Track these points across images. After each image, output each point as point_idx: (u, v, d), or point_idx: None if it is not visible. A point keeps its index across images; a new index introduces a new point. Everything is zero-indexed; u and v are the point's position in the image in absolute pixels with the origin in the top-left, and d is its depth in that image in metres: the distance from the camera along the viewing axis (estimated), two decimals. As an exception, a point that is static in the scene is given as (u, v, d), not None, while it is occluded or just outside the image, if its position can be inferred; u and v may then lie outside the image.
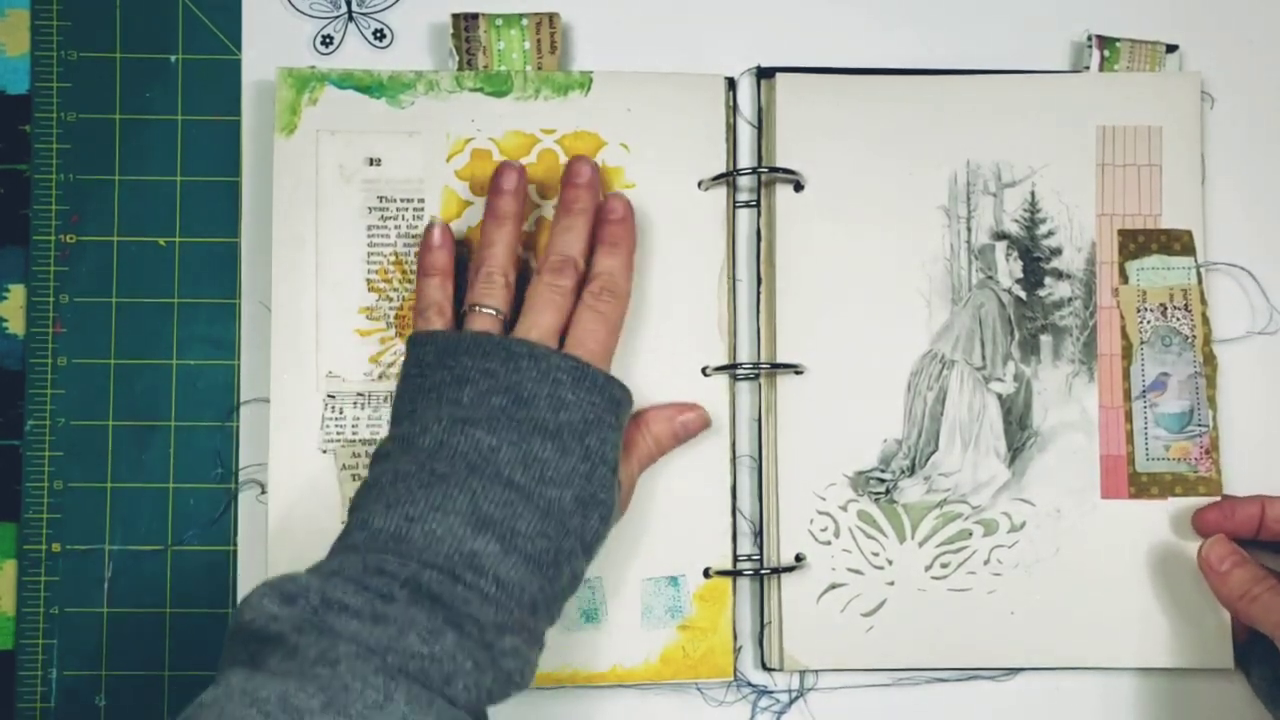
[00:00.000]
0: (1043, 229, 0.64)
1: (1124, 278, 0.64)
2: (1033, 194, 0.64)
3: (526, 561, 0.51)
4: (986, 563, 0.63)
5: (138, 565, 0.63)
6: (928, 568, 0.62)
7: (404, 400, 0.56)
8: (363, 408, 0.61)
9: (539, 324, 0.56)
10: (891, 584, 0.62)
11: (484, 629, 0.48)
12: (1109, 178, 0.64)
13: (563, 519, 0.52)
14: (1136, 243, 0.64)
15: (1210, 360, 0.64)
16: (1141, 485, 0.63)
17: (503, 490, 0.51)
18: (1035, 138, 0.64)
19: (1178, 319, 0.63)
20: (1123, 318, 0.64)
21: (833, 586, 0.62)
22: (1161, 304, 0.63)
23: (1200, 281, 0.64)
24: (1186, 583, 0.63)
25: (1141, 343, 0.63)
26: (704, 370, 0.63)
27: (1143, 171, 0.64)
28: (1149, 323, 0.63)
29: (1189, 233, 0.64)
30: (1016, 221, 0.64)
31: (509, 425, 0.53)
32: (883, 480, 0.62)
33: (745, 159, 0.65)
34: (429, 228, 0.60)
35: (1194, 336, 0.63)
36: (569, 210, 0.60)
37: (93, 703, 0.63)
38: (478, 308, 0.57)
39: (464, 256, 0.61)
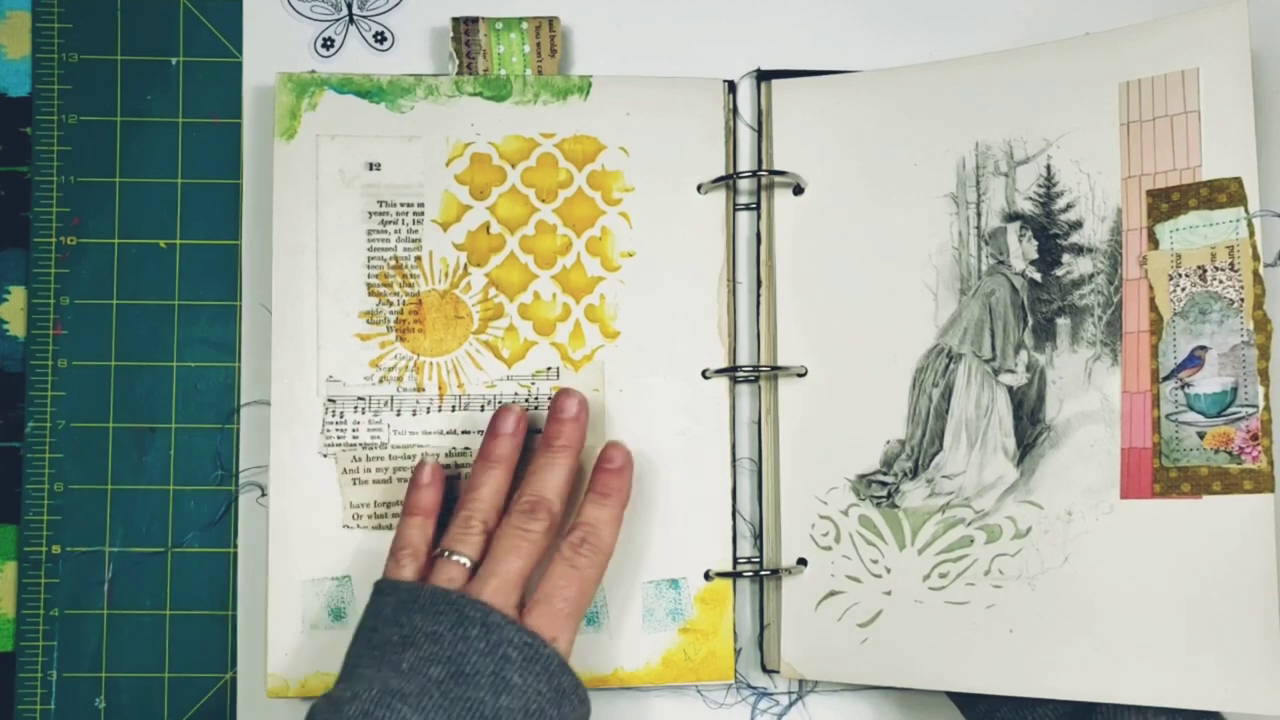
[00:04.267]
0: (1060, 203, 0.59)
1: (1154, 243, 0.57)
2: (1048, 167, 0.59)
3: None
4: (987, 573, 0.59)
5: (138, 567, 0.63)
6: (925, 577, 0.60)
7: (352, 654, 0.53)
8: (363, 412, 0.61)
9: (499, 572, 0.53)
10: (888, 594, 0.60)
11: None
12: (1134, 136, 0.58)
13: None
14: (1170, 201, 0.56)
15: (1263, 326, 0.54)
16: (1170, 482, 0.55)
17: None
18: (1049, 108, 0.59)
19: (1221, 281, 0.55)
20: (1152, 288, 0.57)
21: (831, 594, 0.61)
22: (1200, 266, 0.55)
23: (1252, 234, 0.55)
24: (1227, 602, 0.54)
25: (1174, 314, 0.56)
26: (704, 373, 0.63)
27: (1176, 122, 0.57)
28: (1184, 290, 0.56)
29: (1237, 180, 0.55)
30: (1031, 199, 0.59)
31: (441, 702, 0.48)
32: (884, 483, 0.61)
33: (745, 162, 0.65)
34: (420, 466, 0.59)
35: (1241, 300, 0.55)
36: (550, 446, 0.57)
37: (93, 704, 0.63)
38: (449, 554, 0.55)
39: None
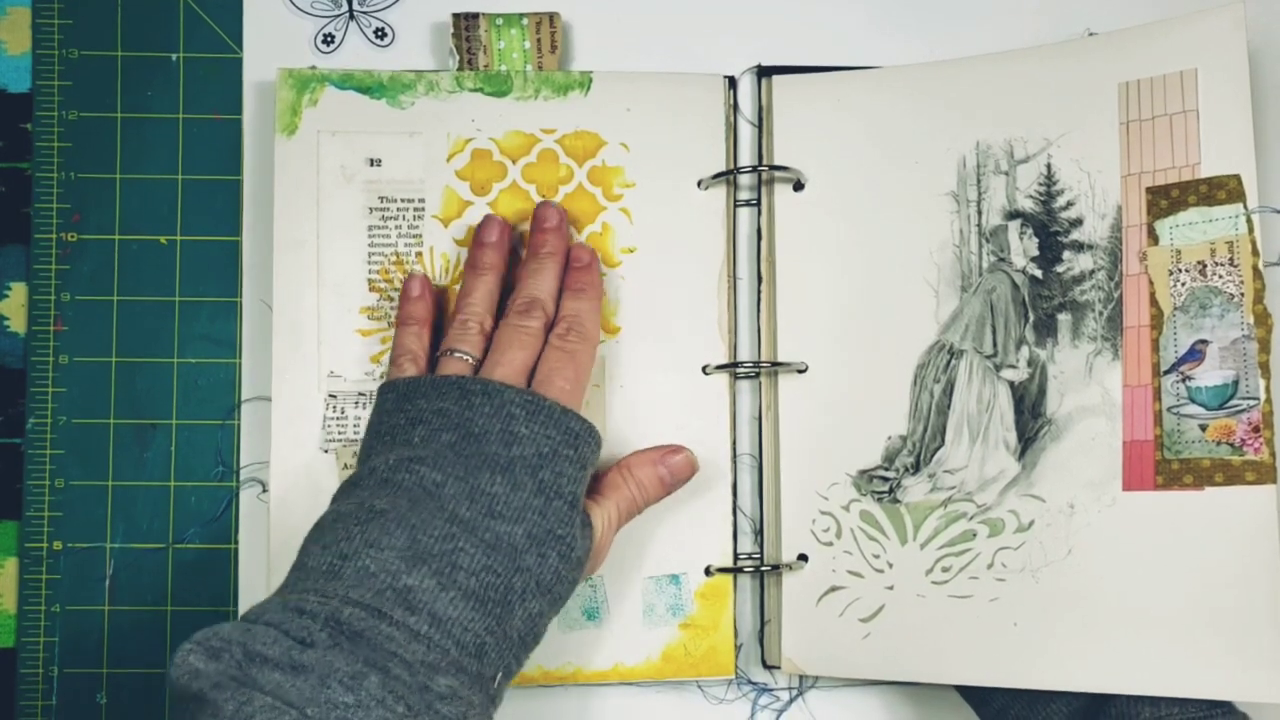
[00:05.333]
0: (1061, 200, 0.60)
1: (1154, 239, 0.57)
2: (1049, 166, 0.60)
3: (468, 598, 0.48)
4: (990, 567, 0.59)
5: (139, 563, 0.63)
6: (928, 572, 0.60)
7: (364, 447, 0.55)
8: (364, 407, 0.61)
9: (504, 362, 0.55)
10: (890, 588, 0.60)
11: (413, 669, 0.45)
12: (1134, 135, 0.58)
13: (514, 555, 0.49)
14: (1169, 198, 0.57)
15: (1263, 320, 0.55)
16: (1172, 474, 0.56)
17: (445, 525, 0.49)
18: (1049, 109, 0.60)
19: (1220, 276, 0.56)
20: (1152, 284, 0.57)
21: (833, 589, 0.61)
22: (1200, 262, 0.56)
23: (1251, 230, 0.56)
24: (1230, 592, 0.55)
25: (1175, 309, 0.57)
26: (704, 369, 0.63)
27: (1175, 121, 0.58)
28: (1184, 285, 0.56)
29: (1236, 177, 0.56)
30: (1031, 197, 0.60)
31: (456, 460, 0.51)
32: (886, 479, 0.61)
33: (746, 158, 0.65)
34: (409, 279, 0.60)
35: (1241, 294, 0.55)
36: (537, 254, 0.59)
37: (94, 700, 0.63)
38: (451, 352, 0.56)
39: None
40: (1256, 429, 0.55)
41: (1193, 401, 0.56)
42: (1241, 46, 0.57)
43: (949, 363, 0.61)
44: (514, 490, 0.51)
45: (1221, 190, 0.56)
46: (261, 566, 0.62)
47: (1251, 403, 0.55)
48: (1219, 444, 0.55)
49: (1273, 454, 0.55)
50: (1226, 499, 0.55)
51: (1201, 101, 0.57)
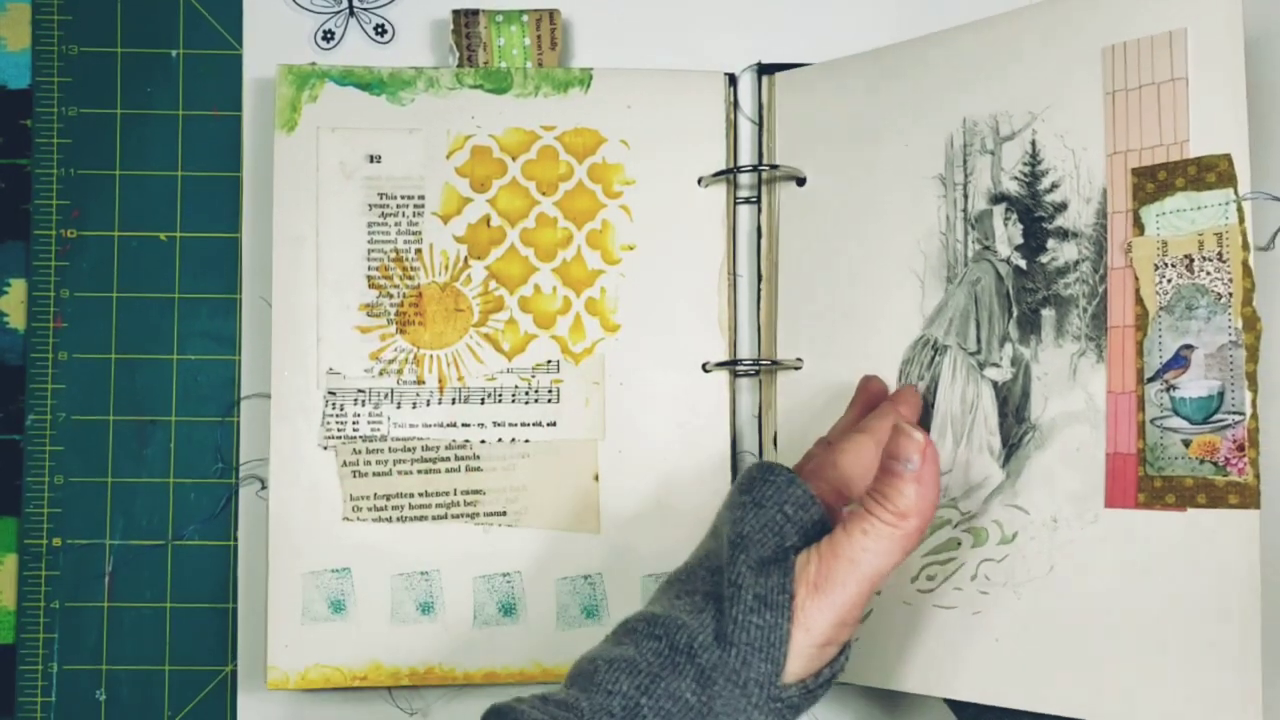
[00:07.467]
0: (1045, 182, 0.55)
1: (1139, 228, 0.52)
2: (1033, 143, 0.56)
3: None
4: (974, 578, 0.55)
5: (138, 560, 0.63)
6: (914, 579, 0.57)
7: None
8: (363, 404, 0.61)
9: None
10: (877, 594, 0.58)
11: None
12: (1120, 106, 0.53)
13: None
14: (1156, 181, 0.52)
15: (1252, 324, 0.49)
16: (1154, 492, 0.51)
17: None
18: (1033, 78, 0.56)
19: (1208, 273, 0.50)
20: (1137, 279, 0.52)
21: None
22: (1187, 256, 0.51)
23: (1242, 219, 0.50)
24: (1209, 622, 0.49)
25: (1160, 309, 0.51)
26: (704, 366, 0.63)
27: (1163, 90, 0.52)
28: (1170, 281, 0.51)
29: (1226, 157, 0.50)
30: (1016, 179, 0.56)
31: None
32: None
33: (746, 156, 0.65)
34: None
35: (1230, 294, 0.50)
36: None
37: (93, 697, 0.63)
38: None
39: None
40: (1241, 448, 0.49)
41: (1176, 414, 0.51)
42: (1235, 2, 0.51)
43: (933, 359, 0.59)
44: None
45: (1211, 173, 0.51)
46: (260, 563, 0.62)
47: (1236, 418, 0.49)
48: (1202, 462, 0.50)
49: (1257, 476, 0.49)
50: (1209, 523, 0.50)
51: (1191, 67, 0.52)
